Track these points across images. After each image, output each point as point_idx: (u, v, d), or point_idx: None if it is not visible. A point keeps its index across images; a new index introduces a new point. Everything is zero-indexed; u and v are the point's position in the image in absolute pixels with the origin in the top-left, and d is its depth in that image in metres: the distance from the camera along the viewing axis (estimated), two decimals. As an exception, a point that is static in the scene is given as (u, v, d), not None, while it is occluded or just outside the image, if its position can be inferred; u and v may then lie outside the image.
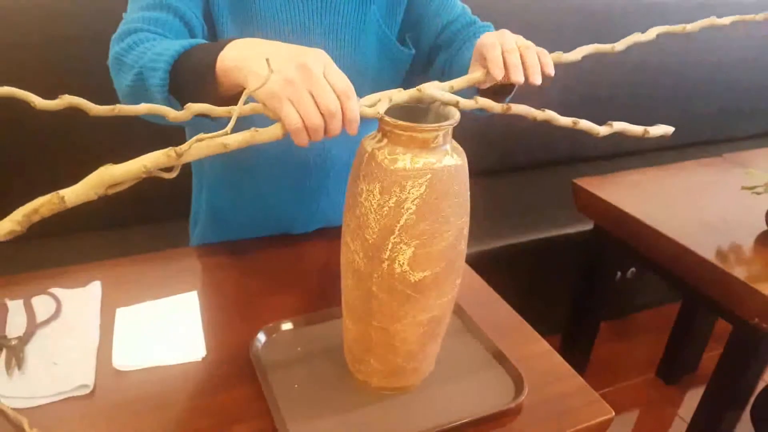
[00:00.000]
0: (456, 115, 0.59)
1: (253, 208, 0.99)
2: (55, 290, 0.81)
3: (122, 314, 0.78)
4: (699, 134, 2.25)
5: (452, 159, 0.58)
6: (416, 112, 0.61)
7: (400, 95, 0.57)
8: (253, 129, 0.49)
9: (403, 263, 0.59)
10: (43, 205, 0.43)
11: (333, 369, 0.73)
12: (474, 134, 1.67)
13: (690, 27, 0.67)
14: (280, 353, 0.74)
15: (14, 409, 0.62)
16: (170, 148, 0.46)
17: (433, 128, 0.56)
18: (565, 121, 0.59)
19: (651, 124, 0.61)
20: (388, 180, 0.56)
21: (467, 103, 0.59)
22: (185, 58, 0.62)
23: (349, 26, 0.87)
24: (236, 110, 0.47)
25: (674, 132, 0.61)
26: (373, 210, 0.58)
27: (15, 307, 0.78)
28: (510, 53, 0.62)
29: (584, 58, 0.65)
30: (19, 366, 0.69)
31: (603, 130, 0.59)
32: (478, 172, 1.83)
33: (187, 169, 1.14)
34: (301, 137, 0.52)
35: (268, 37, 0.60)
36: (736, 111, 2.31)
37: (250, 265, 0.93)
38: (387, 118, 0.56)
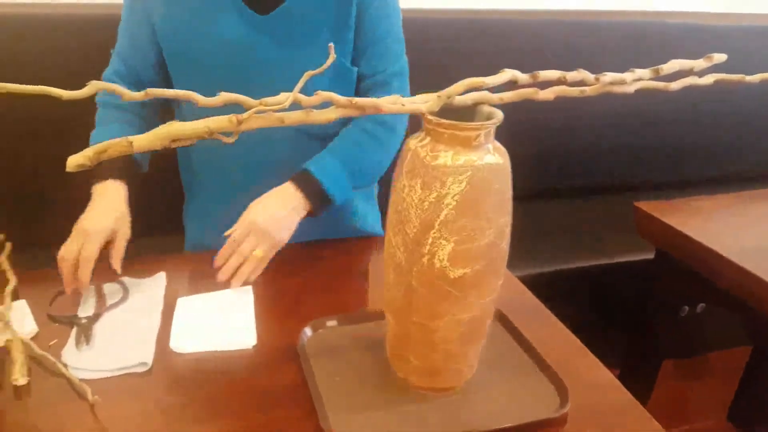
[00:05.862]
0: (499, 116, 0.61)
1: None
2: (125, 278, 0.88)
3: (182, 303, 0.84)
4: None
5: (494, 158, 0.60)
6: (462, 112, 0.63)
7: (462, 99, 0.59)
8: (309, 109, 0.54)
9: (442, 258, 0.61)
10: (112, 146, 0.47)
11: (375, 365, 0.74)
12: (530, 155, 1.68)
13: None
14: (325, 347, 0.77)
15: (80, 380, 0.68)
16: (233, 114, 0.51)
17: (475, 126, 0.58)
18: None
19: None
20: (429, 175, 0.59)
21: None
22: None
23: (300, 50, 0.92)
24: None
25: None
26: (414, 205, 0.60)
27: (88, 291, 0.85)
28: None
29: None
30: (87, 342, 0.75)
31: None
32: (533, 194, 1.83)
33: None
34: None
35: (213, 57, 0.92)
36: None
37: (302, 265, 0.97)
38: (430, 117, 0.59)
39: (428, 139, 0.60)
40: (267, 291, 0.89)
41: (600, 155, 1.87)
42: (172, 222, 1.18)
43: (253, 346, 0.77)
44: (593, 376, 0.75)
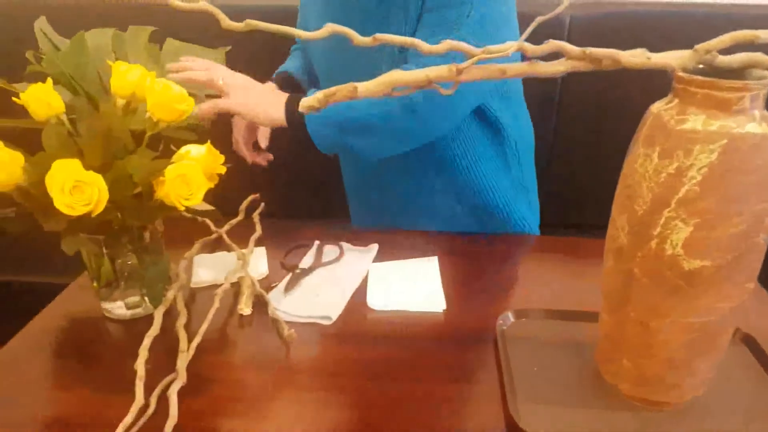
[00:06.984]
0: (773, 79, 0.50)
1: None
2: (344, 243, 0.95)
3: (375, 267, 0.88)
4: None
5: (759, 127, 0.49)
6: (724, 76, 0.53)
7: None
8: (533, 60, 0.51)
9: (676, 245, 0.52)
10: (339, 90, 0.51)
11: (580, 365, 0.67)
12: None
13: None
14: (526, 335, 0.71)
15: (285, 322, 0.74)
16: (453, 63, 0.50)
17: (738, 86, 0.48)
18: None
19: None
20: (670, 142, 0.50)
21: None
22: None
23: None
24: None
25: None
26: (647, 177, 0.52)
27: (312, 248, 0.94)
28: None
29: None
30: (293, 288, 0.83)
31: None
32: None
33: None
34: None
35: None
36: None
37: (489, 254, 0.96)
38: (680, 73, 0.51)
39: (676, 101, 0.52)
40: (454, 265, 0.89)
41: None
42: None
43: (443, 311, 0.78)
44: None
